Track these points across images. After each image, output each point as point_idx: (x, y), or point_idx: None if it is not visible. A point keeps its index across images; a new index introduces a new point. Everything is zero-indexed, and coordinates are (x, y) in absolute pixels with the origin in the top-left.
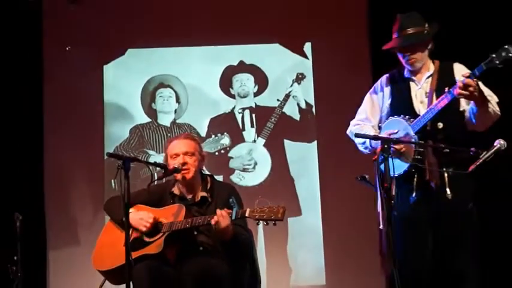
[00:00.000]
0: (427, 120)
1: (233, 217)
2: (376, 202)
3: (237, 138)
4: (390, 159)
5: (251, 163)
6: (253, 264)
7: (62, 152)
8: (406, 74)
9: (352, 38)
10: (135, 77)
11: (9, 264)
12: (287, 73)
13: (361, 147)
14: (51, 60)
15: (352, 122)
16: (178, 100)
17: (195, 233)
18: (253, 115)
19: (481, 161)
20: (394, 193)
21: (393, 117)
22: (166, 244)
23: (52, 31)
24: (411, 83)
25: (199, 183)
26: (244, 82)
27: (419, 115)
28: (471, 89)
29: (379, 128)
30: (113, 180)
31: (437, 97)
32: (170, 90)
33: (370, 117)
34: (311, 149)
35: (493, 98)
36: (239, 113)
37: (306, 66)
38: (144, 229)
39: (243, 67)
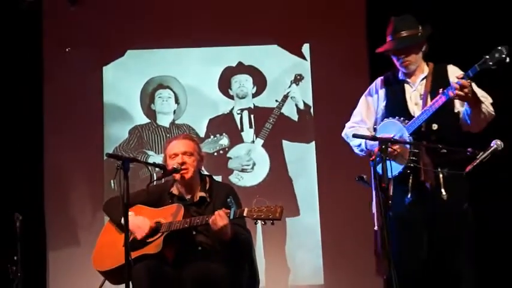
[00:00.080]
0: (421, 122)
1: (231, 217)
2: (371, 203)
3: (236, 138)
4: (383, 161)
5: (250, 163)
6: (251, 264)
7: (62, 152)
8: (400, 76)
9: (350, 40)
10: (135, 78)
11: (9, 264)
12: (285, 74)
13: (356, 150)
14: (51, 61)
15: (348, 125)
16: (177, 101)
17: (194, 232)
18: (252, 116)
19: (478, 161)
20: (391, 193)
21: (388, 119)
22: (165, 244)
23: (52, 32)
24: (406, 85)
25: (198, 184)
26: (243, 83)
27: (414, 117)
28: (465, 90)
29: (374, 129)
30: (112, 181)
31: (431, 99)
32: (169, 91)
33: (365, 119)
34: (309, 150)
35: (487, 99)
36: (238, 113)
37: (304, 67)
38: (139, 237)
39: (241, 68)
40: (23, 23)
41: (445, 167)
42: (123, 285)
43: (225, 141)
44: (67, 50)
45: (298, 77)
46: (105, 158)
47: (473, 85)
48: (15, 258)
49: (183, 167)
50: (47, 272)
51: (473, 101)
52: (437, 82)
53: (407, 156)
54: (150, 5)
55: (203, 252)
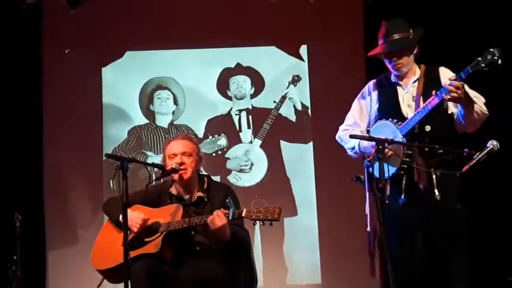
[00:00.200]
0: (414, 123)
1: (230, 217)
2: (365, 204)
3: (234, 139)
4: (381, 161)
5: (248, 164)
6: (249, 264)
7: (61, 152)
8: (393, 78)
9: (347, 41)
10: (133, 79)
11: (8, 264)
12: (283, 75)
13: (350, 152)
14: (51, 62)
15: (341, 127)
16: (176, 102)
17: (192, 233)
18: (250, 116)
19: (474, 161)
20: (388, 194)
21: (381, 121)
22: (164, 244)
23: (51, 33)
24: (398, 87)
25: (196, 184)
26: (241, 84)
27: (407, 118)
28: (458, 91)
29: (368, 132)
30: (111, 181)
31: (424, 101)
32: (168, 92)
33: (358, 122)
34: (307, 150)
35: (479, 99)
36: (236, 114)
37: (302, 68)
38: (135, 229)
39: (239, 69)
40: (22, 24)
41: (438, 167)
42: (122, 284)
43: (223, 141)
44: (66, 51)
45: (296, 78)
46: (104, 158)
47: (466, 86)
48: (14, 257)
49: (181, 167)
50: (46, 272)
51: (466, 102)
52: (429, 84)
53: (401, 158)
54: (148, 7)
55: (201, 252)
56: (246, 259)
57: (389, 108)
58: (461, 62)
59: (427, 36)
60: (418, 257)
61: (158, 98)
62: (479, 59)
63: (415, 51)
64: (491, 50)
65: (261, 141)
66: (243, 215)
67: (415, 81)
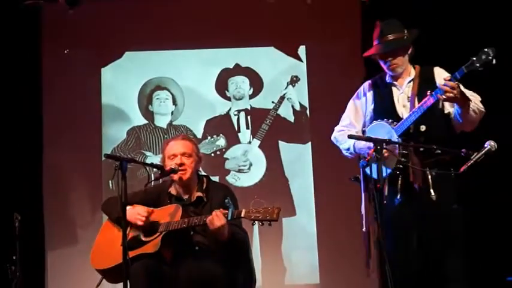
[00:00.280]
0: (410, 123)
1: (229, 217)
2: (361, 205)
3: (233, 139)
4: (379, 161)
5: (246, 164)
6: (248, 264)
7: (61, 153)
8: (387, 79)
9: (345, 42)
10: (132, 80)
11: (8, 264)
12: (282, 76)
13: (345, 153)
14: (50, 63)
15: (336, 128)
16: (174, 102)
17: (192, 233)
18: (249, 117)
19: (472, 162)
20: (386, 194)
21: (377, 121)
22: (163, 243)
23: (51, 34)
24: (393, 88)
25: (195, 184)
26: (240, 84)
27: (402, 119)
28: (454, 91)
29: (363, 132)
30: (110, 181)
31: (419, 101)
32: (167, 93)
33: (354, 122)
34: (305, 150)
35: (475, 97)
36: (235, 115)
37: (301, 69)
38: (140, 223)
39: (238, 70)
40: (22, 25)
41: (434, 167)
42: (121, 284)
43: (222, 142)
44: (66, 51)
45: (295, 79)
46: (103, 158)
47: (461, 86)
48: (14, 257)
49: (181, 168)
50: (45, 272)
51: (463, 101)
52: (424, 84)
53: (397, 158)
54: (147, 7)
55: (200, 252)
56: (245, 259)
57: (384, 109)
58: (456, 62)
59: (424, 36)
60: (414, 257)
61: (157, 99)
62: (474, 59)
63: (409, 52)
64: (486, 50)
65: (259, 142)
66: (242, 215)
67: (410, 82)
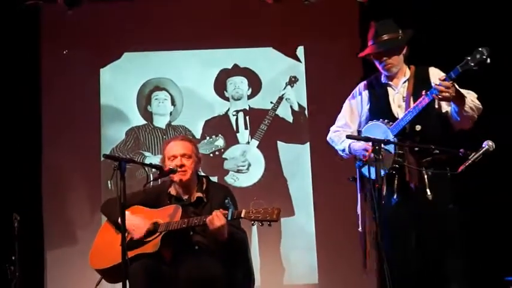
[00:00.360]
0: (405, 123)
1: (229, 217)
2: (356, 205)
3: (231, 140)
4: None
5: (245, 164)
6: (247, 264)
7: (60, 153)
8: (383, 79)
9: (344, 42)
10: (131, 80)
11: (7, 264)
12: (280, 76)
13: (341, 153)
14: (49, 63)
15: (332, 129)
16: (173, 103)
17: (191, 233)
18: (247, 117)
19: (469, 162)
20: (385, 193)
21: (372, 122)
22: (162, 243)
23: (50, 34)
24: (388, 88)
25: (195, 184)
26: (238, 85)
27: (397, 119)
28: (449, 91)
29: (359, 132)
30: (109, 181)
31: (414, 101)
32: (165, 93)
33: (349, 123)
34: (304, 151)
35: (471, 94)
36: (233, 115)
37: (299, 69)
38: (136, 237)
39: (237, 70)
40: (21, 25)
41: (429, 167)
42: (119, 284)
43: (220, 142)
44: (64, 52)
45: (293, 79)
46: (102, 159)
47: (456, 85)
48: (13, 258)
49: (182, 169)
50: (44, 272)
51: (458, 100)
52: (419, 84)
53: (393, 157)
54: (146, 8)
55: (200, 252)
56: (244, 259)
57: (380, 109)
58: (452, 62)
59: (423, 37)
60: (412, 257)
61: (156, 99)
62: (469, 58)
63: (404, 52)
64: (480, 49)
65: (258, 142)
66: (242, 215)
67: (405, 82)
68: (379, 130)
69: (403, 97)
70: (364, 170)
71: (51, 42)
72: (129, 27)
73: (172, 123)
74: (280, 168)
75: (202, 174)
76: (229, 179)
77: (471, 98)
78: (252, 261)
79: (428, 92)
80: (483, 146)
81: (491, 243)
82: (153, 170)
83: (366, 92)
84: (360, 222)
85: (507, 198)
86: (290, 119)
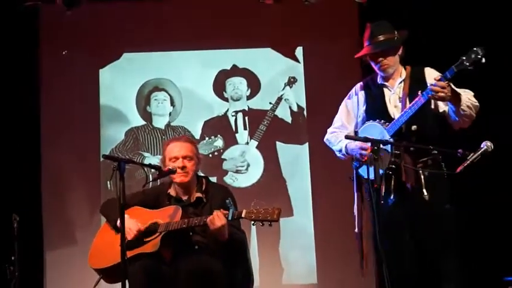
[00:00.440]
0: (401, 123)
1: (230, 218)
2: (353, 206)
3: (230, 140)
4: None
5: (244, 165)
6: (246, 264)
7: (59, 153)
8: (379, 80)
9: (342, 43)
10: (131, 81)
11: (6, 264)
12: (279, 77)
13: (338, 154)
14: (48, 64)
15: (329, 130)
16: (172, 103)
17: (191, 233)
18: (246, 118)
19: (468, 162)
20: (383, 193)
21: (369, 122)
22: (162, 243)
23: (49, 35)
24: (384, 89)
25: (194, 185)
26: (237, 86)
27: (394, 119)
28: (445, 90)
29: (355, 133)
30: (108, 182)
31: (410, 101)
32: (165, 94)
33: (346, 124)
34: (303, 151)
35: (467, 93)
36: (232, 115)
37: (298, 70)
38: (129, 238)
39: (236, 71)
40: (20, 26)
41: (426, 167)
42: (119, 284)
43: (219, 142)
44: (64, 52)
45: (292, 80)
46: (101, 159)
47: (452, 85)
48: (12, 258)
49: (183, 171)
50: (44, 273)
51: (454, 100)
52: (415, 84)
53: (389, 157)
54: (146, 9)
55: (200, 252)
56: (243, 259)
57: (376, 110)
58: (448, 62)
59: (420, 37)
60: (408, 257)
61: (155, 100)
62: (464, 58)
63: (400, 52)
64: (475, 48)
65: (257, 143)
66: (243, 215)
67: (401, 82)
68: (376, 130)
69: (399, 97)
70: (361, 170)
71: (51, 43)
72: (128, 27)
73: (172, 124)
74: (279, 169)
75: (202, 174)
76: (228, 179)
77: (467, 96)
78: (251, 261)
79: (424, 92)
80: (482, 146)
81: (491, 244)
82: (152, 170)
83: (362, 92)
84: (356, 223)
85: (505, 198)
86: (289, 119)
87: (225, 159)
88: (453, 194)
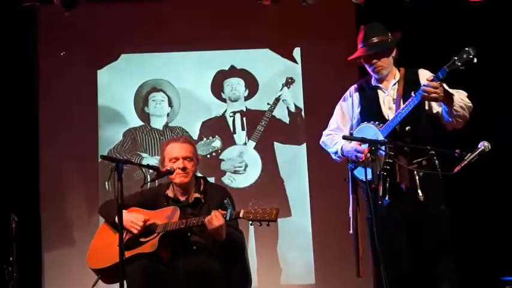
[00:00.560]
0: (395, 124)
1: (228, 218)
2: (348, 207)
3: (228, 141)
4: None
5: (242, 165)
6: (244, 264)
7: (57, 154)
8: (373, 82)
9: (340, 43)
10: (129, 82)
11: (4, 265)
12: (277, 77)
13: (334, 156)
14: (46, 64)
15: (325, 133)
16: (170, 104)
17: (189, 233)
18: (244, 118)
19: (465, 162)
20: (381, 194)
21: (364, 124)
22: (160, 244)
23: (47, 36)
24: (379, 90)
25: (193, 185)
26: (235, 86)
27: (388, 121)
28: (437, 91)
29: (351, 135)
30: (106, 182)
31: (404, 103)
32: (163, 94)
33: (341, 126)
34: (300, 151)
35: (461, 93)
36: (230, 116)
37: (296, 70)
38: (135, 231)
39: (233, 72)
40: (18, 27)
41: (421, 168)
42: (117, 285)
43: (217, 143)
44: (62, 53)
45: (290, 80)
46: (99, 160)
47: (444, 85)
48: (10, 259)
49: (184, 172)
50: (42, 273)
51: (447, 100)
52: (409, 86)
53: (383, 159)
54: (144, 10)
55: (198, 252)
56: (241, 259)
57: (370, 112)
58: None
59: (419, 37)
60: (404, 258)
61: (153, 100)
62: (455, 58)
63: (393, 54)
64: (467, 49)
65: (255, 143)
66: (241, 215)
67: (395, 84)
68: (370, 132)
69: (393, 99)
70: (356, 172)
71: (49, 44)
72: (126, 28)
73: (170, 125)
74: (277, 169)
75: (200, 175)
76: (226, 179)
77: (460, 97)
78: (249, 261)
79: (417, 93)
80: (479, 146)
81: (488, 244)
82: (151, 171)
83: (357, 94)
84: (351, 224)
85: (501, 198)
86: (287, 120)
87: (223, 160)
88: (448, 194)
